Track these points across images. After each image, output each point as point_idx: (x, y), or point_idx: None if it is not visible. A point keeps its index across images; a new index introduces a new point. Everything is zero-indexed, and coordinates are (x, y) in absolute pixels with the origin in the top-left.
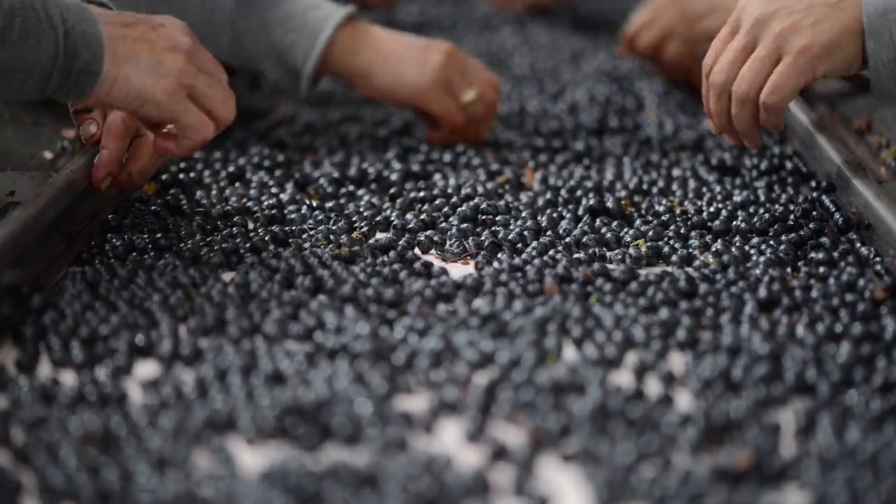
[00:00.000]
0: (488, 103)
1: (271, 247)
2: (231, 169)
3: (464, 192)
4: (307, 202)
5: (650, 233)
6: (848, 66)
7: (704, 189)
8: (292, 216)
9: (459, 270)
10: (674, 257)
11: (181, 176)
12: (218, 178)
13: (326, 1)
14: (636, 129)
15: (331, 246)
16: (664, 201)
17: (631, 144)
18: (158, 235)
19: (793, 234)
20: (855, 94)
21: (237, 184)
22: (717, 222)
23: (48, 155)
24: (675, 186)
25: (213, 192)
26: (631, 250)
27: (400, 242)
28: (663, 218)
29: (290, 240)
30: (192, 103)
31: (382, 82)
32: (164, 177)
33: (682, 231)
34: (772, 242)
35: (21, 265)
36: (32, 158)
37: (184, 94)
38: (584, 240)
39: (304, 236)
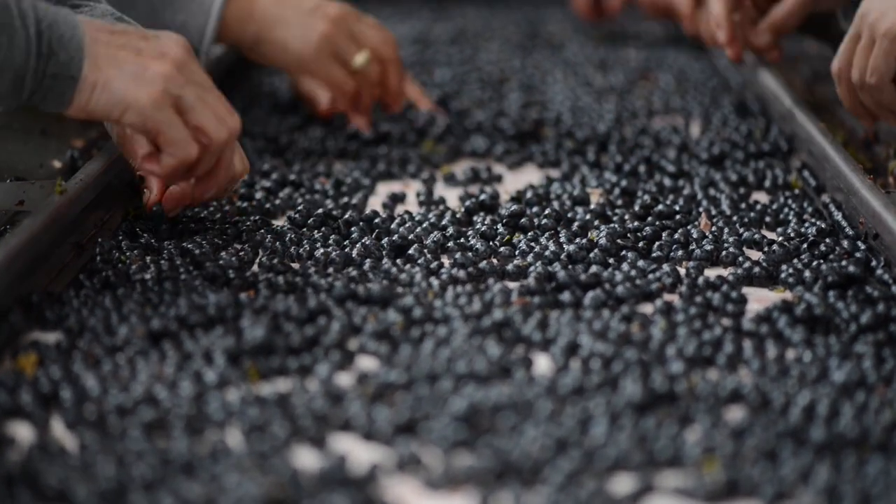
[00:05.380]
0: (386, 60)
1: (179, 477)
2: (155, 325)
3: (458, 369)
4: (241, 386)
5: (723, 448)
6: None
7: (789, 355)
8: (214, 409)
9: None
10: (761, 491)
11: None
12: (131, 345)
13: None
14: (687, 246)
15: (263, 486)
16: (733, 379)
17: (682, 280)
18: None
19: None
20: None
21: (152, 352)
22: (815, 428)
23: (57, 164)
24: (747, 351)
25: (121, 367)
26: (692, 483)
27: (363, 461)
28: (737, 422)
29: (204, 464)
30: (177, 116)
31: (268, 51)
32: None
33: (768, 442)
34: None
35: (30, 274)
36: (41, 168)
37: (169, 103)
38: (625, 457)
39: (224, 455)
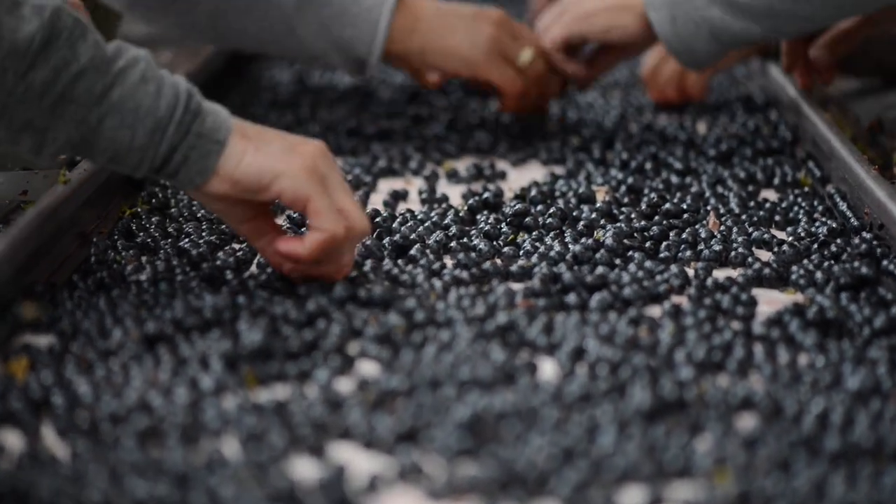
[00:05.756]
0: (547, 59)
1: (173, 490)
2: (149, 329)
3: (461, 375)
4: (238, 392)
5: (735, 458)
6: (607, 31)
7: (802, 360)
8: (209, 417)
9: None
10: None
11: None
12: (125, 349)
13: None
14: (695, 246)
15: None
16: (744, 385)
17: (690, 281)
18: None
19: None
20: (866, 95)
21: (146, 357)
22: (829, 437)
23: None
24: (757, 355)
25: (115, 373)
26: (703, 495)
27: (363, 471)
28: (749, 430)
29: (200, 476)
30: (326, 190)
31: (437, 59)
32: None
33: (780, 451)
34: None
35: (33, 264)
36: None
37: (318, 177)
38: (634, 467)
39: (220, 465)
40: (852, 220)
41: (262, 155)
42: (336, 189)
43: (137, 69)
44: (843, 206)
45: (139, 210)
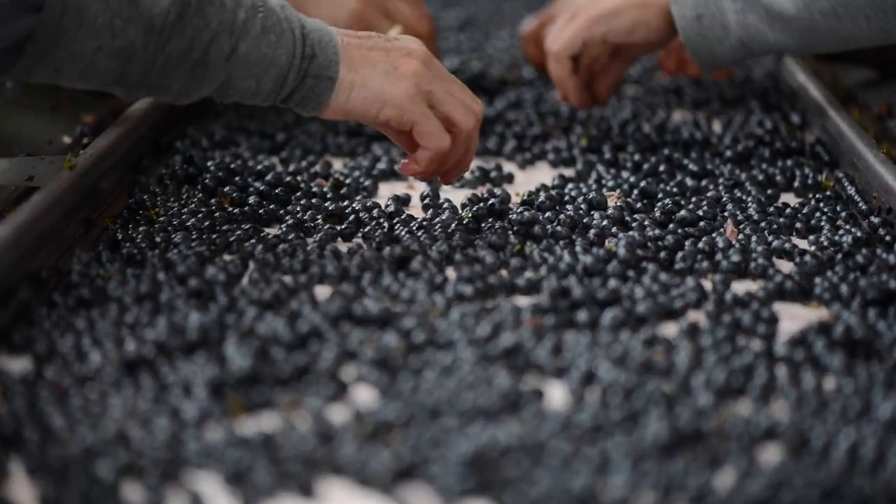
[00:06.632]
0: (420, 37)
1: None
2: (129, 349)
3: (462, 403)
4: (223, 420)
5: (761, 497)
6: (631, 30)
7: (828, 383)
8: (191, 451)
9: None
10: None
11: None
12: (104, 374)
13: None
14: (712, 256)
15: None
16: (766, 414)
17: (707, 295)
18: None
19: None
20: (878, 83)
21: (126, 382)
22: (859, 475)
23: (67, 140)
24: (780, 378)
25: (92, 401)
26: None
27: None
28: (773, 462)
29: None
30: (429, 109)
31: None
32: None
33: (805, 484)
34: None
35: (39, 250)
36: (51, 143)
37: (422, 97)
38: None
39: None
40: (861, 204)
41: (369, 83)
42: (441, 100)
43: (258, 20)
44: (851, 191)
45: (125, 214)
